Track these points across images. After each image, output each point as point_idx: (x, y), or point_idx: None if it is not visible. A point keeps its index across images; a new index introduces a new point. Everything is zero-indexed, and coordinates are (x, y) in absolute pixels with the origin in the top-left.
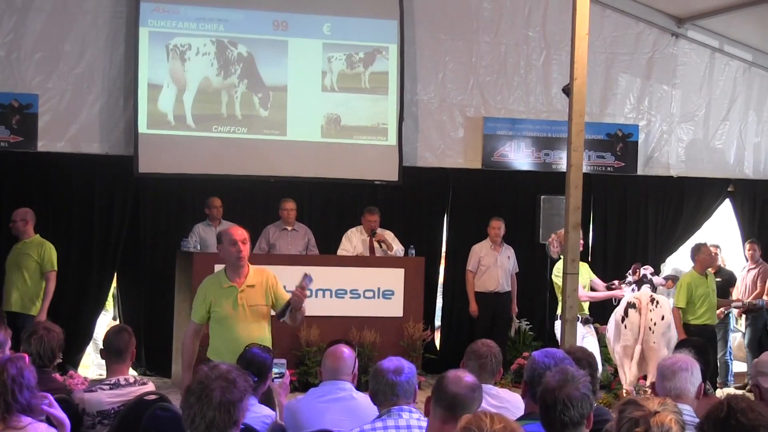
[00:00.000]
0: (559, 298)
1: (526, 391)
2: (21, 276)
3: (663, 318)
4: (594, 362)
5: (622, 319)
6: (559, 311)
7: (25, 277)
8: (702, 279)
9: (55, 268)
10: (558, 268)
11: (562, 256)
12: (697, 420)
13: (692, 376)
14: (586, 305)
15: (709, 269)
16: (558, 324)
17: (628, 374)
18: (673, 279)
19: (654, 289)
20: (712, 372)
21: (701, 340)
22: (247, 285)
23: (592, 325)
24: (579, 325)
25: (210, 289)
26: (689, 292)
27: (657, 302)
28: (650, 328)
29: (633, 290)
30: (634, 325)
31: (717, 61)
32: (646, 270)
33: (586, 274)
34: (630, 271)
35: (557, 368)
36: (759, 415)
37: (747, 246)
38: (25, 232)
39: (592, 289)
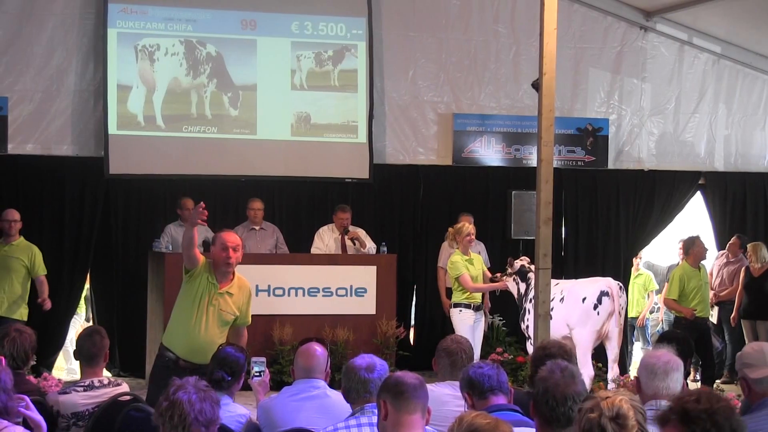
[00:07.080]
0: (453, 287)
1: None
2: (9, 279)
3: (626, 302)
4: (573, 358)
5: (594, 307)
6: (452, 299)
7: (13, 281)
8: (695, 272)
9: (46, 272)
10: (450, 260)
11: (456, 249)
12: None
13: (681, 376)
14: (478, 295)
15: (702, 262)
16: (453, 311)
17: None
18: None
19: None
20: (709, 367)
21: (685, 334)
22: (227, 291)
23: (482, 312)
24: (470, 311)
25: (207, 272)
26: (681, 285)
27: (622, 288)
28: (619, 313)
29: (515, 281)
30: (606, 311)
31: (686, 54)
32: (524, 261)
33: (479, 266)
34: (507, 265)
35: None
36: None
37: (733, 240)
38: (14, 233)
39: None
